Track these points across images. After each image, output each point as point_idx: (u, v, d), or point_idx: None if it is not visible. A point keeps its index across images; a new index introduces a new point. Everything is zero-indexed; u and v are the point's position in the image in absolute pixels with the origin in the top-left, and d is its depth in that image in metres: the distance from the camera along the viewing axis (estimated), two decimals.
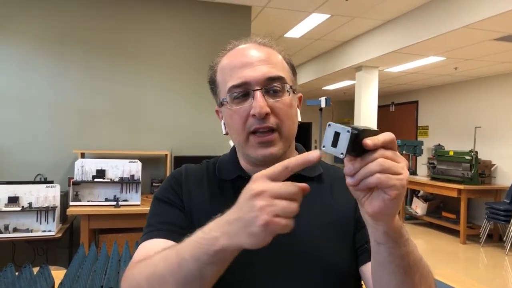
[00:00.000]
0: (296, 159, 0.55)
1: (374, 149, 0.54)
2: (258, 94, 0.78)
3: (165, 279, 0.61)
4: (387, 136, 0.55)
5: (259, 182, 0.54)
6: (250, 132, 0.79)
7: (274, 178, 0.54)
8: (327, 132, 0.55)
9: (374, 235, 0.62)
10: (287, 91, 0.81)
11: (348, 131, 0.53)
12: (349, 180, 0.56)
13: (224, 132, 0.88)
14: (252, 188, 0.54)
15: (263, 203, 0.52)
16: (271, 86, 0.79)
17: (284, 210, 0.52)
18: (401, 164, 0.55)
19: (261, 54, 0.82)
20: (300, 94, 0.89)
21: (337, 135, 0.55)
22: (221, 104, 0.84)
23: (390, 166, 0.54)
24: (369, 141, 0.54)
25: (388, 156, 0.54)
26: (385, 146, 0.55)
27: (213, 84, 0.88)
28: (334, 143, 0.55)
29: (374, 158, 0.54)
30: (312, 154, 0.55)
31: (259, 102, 0.77)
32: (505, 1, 3.26)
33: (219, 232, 0.56)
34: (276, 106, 0.79)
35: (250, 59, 0.81)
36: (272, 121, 0.78)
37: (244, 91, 0.79)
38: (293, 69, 0.88)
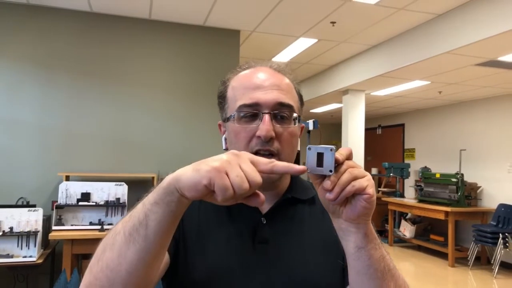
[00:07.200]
0: (282, 165, 0.58)
1: (342, 162, 0.61)
2: (267, 117, 0.80)
3: (118, 230, 0.62)
4: (347, 149, 0.63)
5: (242, 153, 0.58)
6: (252, 152, 0.80)
7: (254, 163, 0.57)
8: (309, 155, 0.61)
9: (355, 241, 0.66)
10: (294, 119, 0.83)
11: (332, 150, 0.60)
12: (329, 196, 0.61)
13: (224, 147, 0.89)
14: (233, 152, 0.58)
15: (230, 159, 0.55)
16: (279, 111, 0.81)
17: (238, 179, 0.54)
18: (361, 168, 0.63)
19: (275, 80, 0.84)
20: (302, 124, 0.91)
21: (320, 155, 0.60)
22: (226, 119, 0.86)
23: (357, 172, 0.61)
24: (339, 155, 0.61)
25: (352, 165, 0.62)
26: (348, 157, 0.62)
27: (222, 99, 0.89)
28: (319, 163, 0.60)
29: (344, 169, 0.61)
30: (298, 167, 0.58)
31: (266, 125, 0.79)
32: (486, 28, 3.37)
33: (174, 173, 0.58)
34: (281, 132, 0.81)
35: (264, 82, 0.83)
36: (275, 146, 0.80)
37: (253, 112, 0.81)
38: (301, 100, 0.91)
